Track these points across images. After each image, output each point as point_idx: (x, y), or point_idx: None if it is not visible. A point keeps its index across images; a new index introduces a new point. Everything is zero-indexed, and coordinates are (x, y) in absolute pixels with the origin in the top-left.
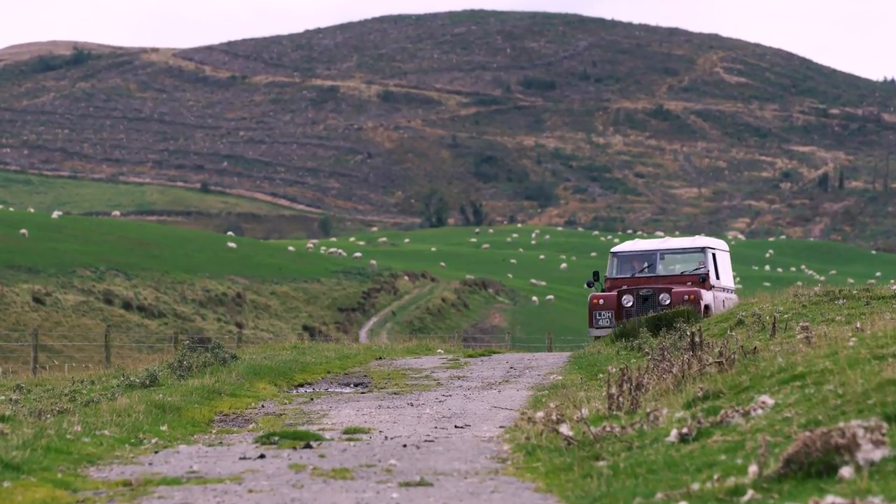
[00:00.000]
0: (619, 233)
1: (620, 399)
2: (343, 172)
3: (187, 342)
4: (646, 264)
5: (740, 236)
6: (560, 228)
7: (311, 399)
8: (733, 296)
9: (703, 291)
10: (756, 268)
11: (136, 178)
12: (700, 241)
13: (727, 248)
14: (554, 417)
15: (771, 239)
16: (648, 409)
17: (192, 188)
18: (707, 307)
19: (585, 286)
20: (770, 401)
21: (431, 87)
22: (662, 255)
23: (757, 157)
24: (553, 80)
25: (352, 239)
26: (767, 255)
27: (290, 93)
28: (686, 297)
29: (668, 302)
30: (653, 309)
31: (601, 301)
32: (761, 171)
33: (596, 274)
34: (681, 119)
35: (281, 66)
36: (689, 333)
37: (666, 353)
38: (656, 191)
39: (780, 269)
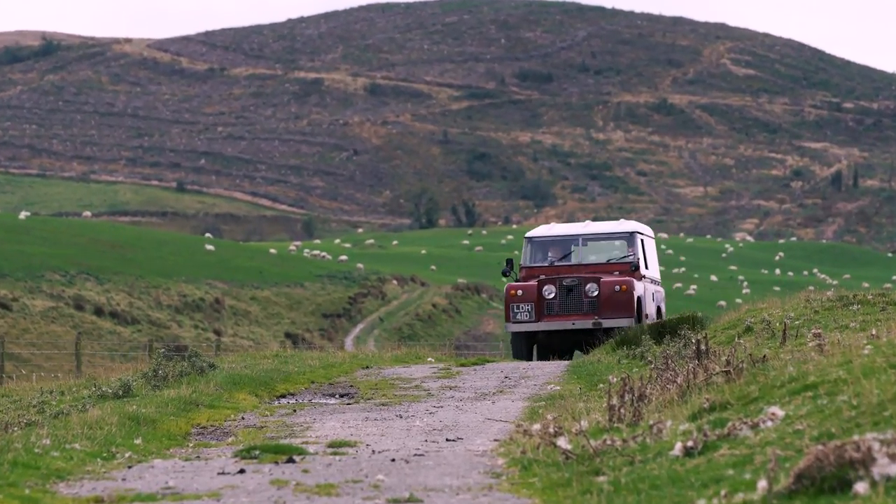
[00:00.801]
0: None
1: (622, 410)
2: (328, 170)
3: (162, 350)
4: (567, 251)
5: (749, 238)
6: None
7: (294, 411)
8: (661, 289)
9: (635, 282)
10: (765, 271)
11: (109, 177)
12: (627, 224)
13: (652, 234)
14: (551, 430)
15: (781, 241)
16: (651, 422)
17: (168, 187)
18: (639, 300)
19: (502, 276)
20: (780, 412)
21: (421, 80)
22: (585, 241)
23: (766, 154)
24: (550, 73)
25: (337, 241)
26: (777, 257)
27: (272, 86)
28: (617, 288)
29: (595, 293)
30: (578, 301)
31: (520, 292)
32: (771, 168)
33: (510, 262)
34: (685, 114)
35: (262, 57)
36: (694, 341)
37: (670, 361)
38: (659, 190)
39: (790, 273)
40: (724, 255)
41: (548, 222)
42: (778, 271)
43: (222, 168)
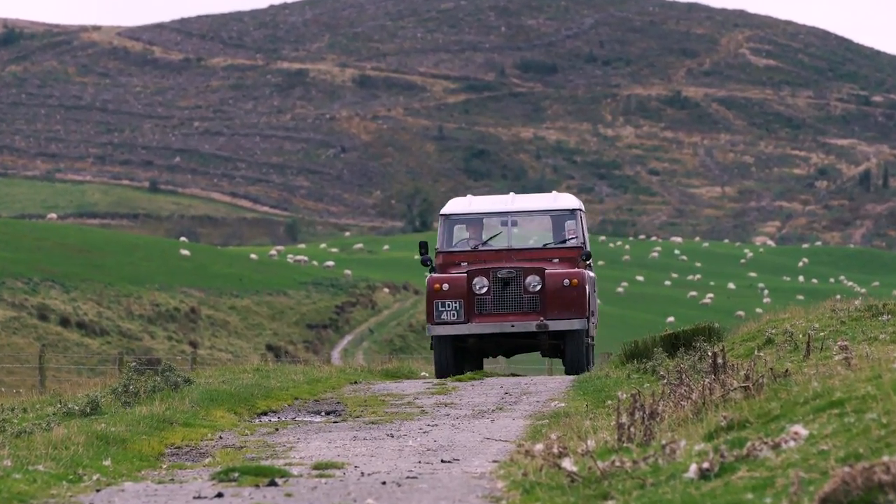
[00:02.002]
0: (631, 238)
1: (632, 429)
2: (313, 169)
3: (134, 364)
4: (493, 231)
5: (770, 242)
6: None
7: (277, 429)
8: (594, 276)
9: (586, 273)
10: (788, 278)
11: (76, 176)
12: (566, 199)
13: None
14: (555, 450)
15: (805, 245)
16: (664, 441)
17: (140, 187)
18: (589, 296)
19: (423, 265)
20: (804, 431)
21: (414, 71)
22: (514, 220)
23: (789, 152)
24: (554, 63)
25: (323, 245)
26: (801, 263)
27: (253, 77)
28: (566, 281)
29: (538, 288)
30: (517, 298)
31: (445, 286)
32: (794, 167)
33: (424, 245)
34: (701, 108)
35: (242, 46)
36: (710, 354)
37: (684, 376)
38: (673, 190)
39: (815, 280)
40: (742, 260)
41: None
42: (801, 278)
43: (199, 166)
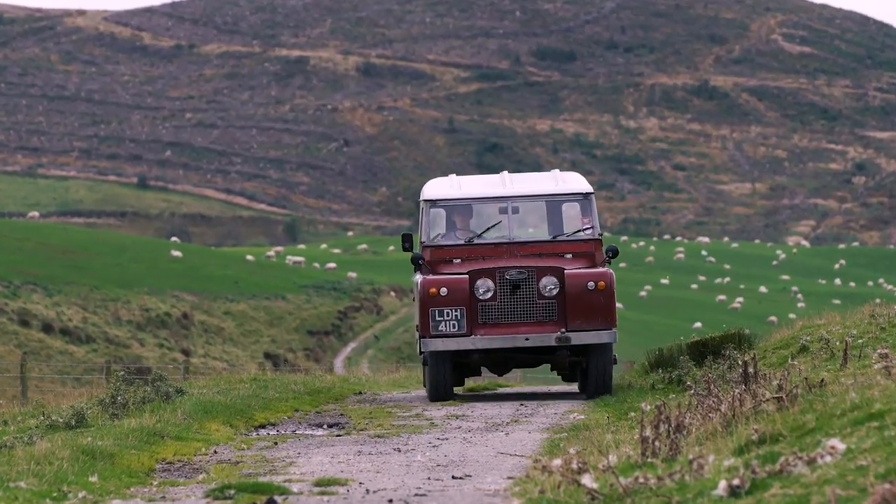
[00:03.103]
0: (655, 238)
1: (656, 443)
2: (314, 164)
3: (122, 373)
4: (490, 220)
5: (804, 243)
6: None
7: (275, 443)
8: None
9: (612, 273)
10: (823, 281)
11: (59, 171)
12: (575, 179)
13: None
14: (574, 466)
15: (841, 246)
16: (691, 456)
17: (128, 183)
18: (614, 296)
19: (412, 264)
20: (841, 445)
21: (423, 59)
22: (515, 206)
23: (824, 145)
24: (573, 50)
25: (324, 246)
26: (837, 266)
27: (249, 65)
28: (591, 284)
29: (555, 292)
30: (530, 304)
31: (443, 291)
32: (829, 162)
33: (409, 239)
34: (730, 98)
35: (237, 32)
36: (741, 363)
37: (713, 386)
38: (700, 187)
39: (852, 284)
40: (775, 262)
41: None
42: (838, 281)
43: (191, 161)
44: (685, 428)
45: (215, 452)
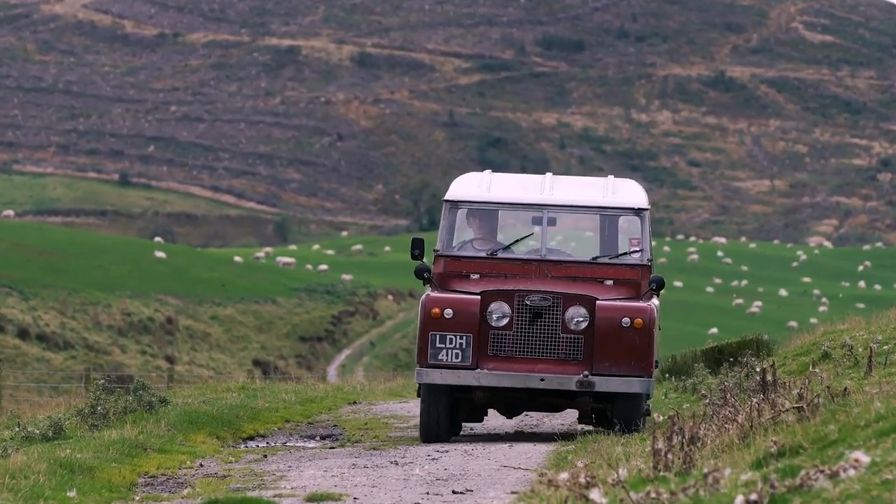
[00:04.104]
0: (668, 238)
1: (669, 456)
2: (306, 159)
3: (102, 382)
4: (522, 231)
5: (826, 243)
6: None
7: (265, 456)
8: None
9: (654, 310)
10: (846, 284)
11: (35, 168)
12: (628, 190)
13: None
14: (582, 480)
15: (866, 247)
16: (706, 470)
17: (109, 180)
18: (654, 337)
19: (417, 277)
20: (865, 458)
21: (422, 48)
22: (552, 217)
23: (848, 140)
24: (581, 39)
25: (316, 247)
26: (861, 267)
27: (237, 55)
28: (626, 320)
29: (583, 325)
30: (551, 337)
31: (448, 312)
32: (853, 157)
33: (419, 245)
34: (748, 90)
35: (225, 20)
36: (759, 370)
37: (729, 395)
38: (716, 184)
39: (877, 286)
40: (795, 264)
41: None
42: (862, 284)
43: (176, 157)
44: (700, 440)
45: (201, 466)
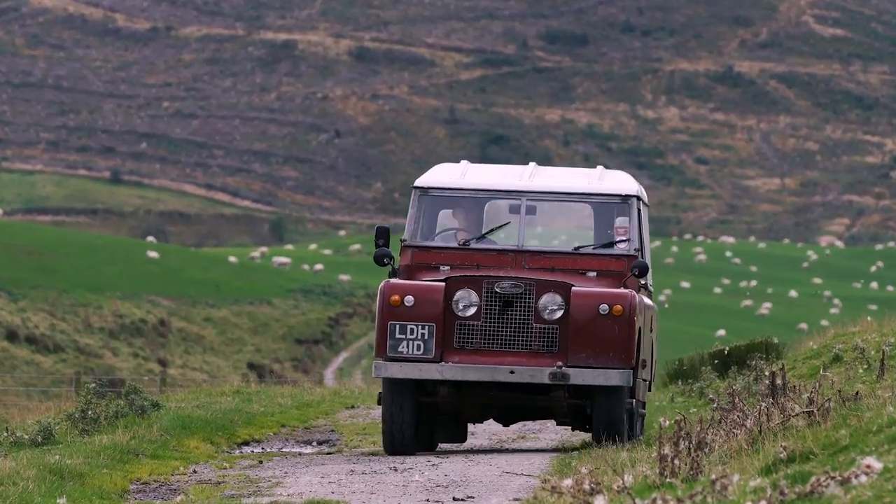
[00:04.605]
0: (675, 238)
1: (676, 462)
2: (302, 157)
3: (93, 385)
4: (499, 220)
5: (838, 243)
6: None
7: (260, 462)
8: (655, 307)
9: (636, 297)
10: (858, 285)
11: (24, 165)
12: (617, 179)
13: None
14: (587, 486)
15: (879, 247)
16: (714, 476)
17: (100, 178)
18: (639, 332)
19: (377, 264)
20: (877, 464)
21: (421, 43)
22: (532, 206)
23: (860, 137)
24: (585, 33)
25: (313, 246)
26: (874, 268)
27: (232, 50)
28: (604, 307)
29: (558, 314)
30: (523, 327)
31: (409, 300)
32: (866, 154)
33: (384, 234)
34: (757, 85)
35: (219, 13)
36: (768, 374)
37: (737, 399)
38: (724, 182)
39: (890, 287)
40: (805, 264)
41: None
42: (875, 285)
43: (168, 154)
44: (707, 445)
45: (195, 472)
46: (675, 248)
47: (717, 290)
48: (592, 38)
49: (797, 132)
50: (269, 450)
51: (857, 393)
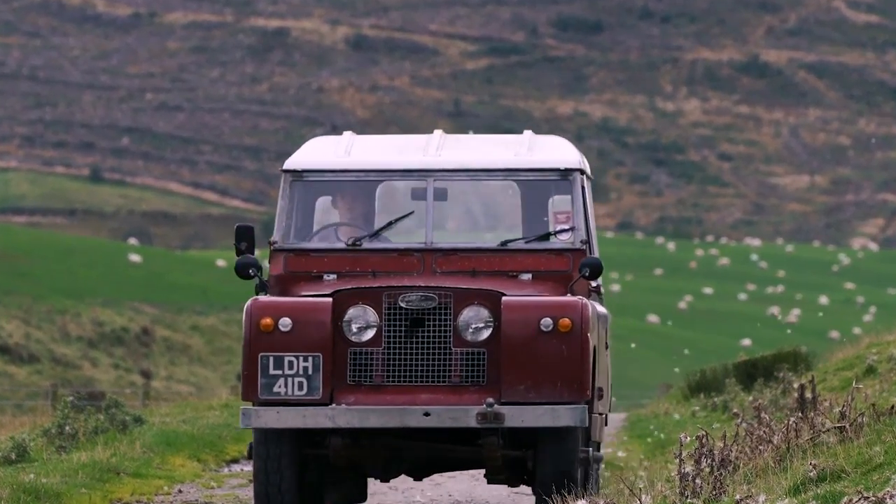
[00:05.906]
0: (697, 240)
1: (698, 481)
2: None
3: (71, 399)
4: (400, 209)
5: (871, 245)
6: (610, 234)
7: (250, 481)
8: (606, 313)
9: (587, 305)
10: (894, 291)
11: None
12: (549, 148)
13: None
14: None
15: None
16: (738, 496)
17: (78, 175)
18: (595, 355)
19: (239, 275)
20: None
21: (424, 30)
22: (442, 188)
23: (895, 131)
24: (599, 20)
25: None
26: None
27: (220, 37)
28: (547, 322)
29: (485, 334)
30: (439, 351)
31: (285, 323)
32: None
33: (247, 233)
34: (785, 76)
35: None
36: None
37: (764, 414)
38: (749, 180)
39: None
40: (836, 268)
41: (597, 223)
42: None
43: (152, 150)
44: (731, 463)
45: (180, 492)
46: (699, 252)
47: (742, 296)
48: (607, 24)
49: (828, 126)
50: None
51: (892, 407)
